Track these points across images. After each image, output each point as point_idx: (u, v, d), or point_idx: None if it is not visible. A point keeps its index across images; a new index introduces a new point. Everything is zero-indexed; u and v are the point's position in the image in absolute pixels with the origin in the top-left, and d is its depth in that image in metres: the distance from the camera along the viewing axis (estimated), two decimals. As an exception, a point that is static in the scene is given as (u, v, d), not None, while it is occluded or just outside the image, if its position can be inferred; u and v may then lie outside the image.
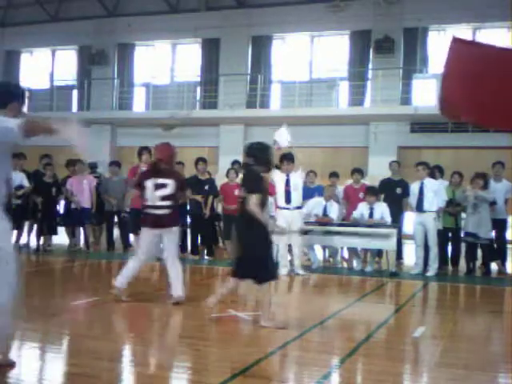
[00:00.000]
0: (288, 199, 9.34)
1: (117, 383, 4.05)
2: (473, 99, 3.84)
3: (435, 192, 9.56)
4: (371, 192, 9.77)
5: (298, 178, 9.44)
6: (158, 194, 6.52)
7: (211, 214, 10.84)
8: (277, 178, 9.42)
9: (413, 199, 9.77)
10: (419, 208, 9.61)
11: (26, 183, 10.85)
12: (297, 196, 9.40)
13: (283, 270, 9.19)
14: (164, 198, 6.53)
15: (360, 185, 10.54)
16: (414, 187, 9.80)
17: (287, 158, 9.39)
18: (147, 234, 6.64)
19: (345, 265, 10.62)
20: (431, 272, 9.49)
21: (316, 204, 10.26)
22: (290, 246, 10.88)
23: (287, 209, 9.34)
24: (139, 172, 10.21)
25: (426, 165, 9.86)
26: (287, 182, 9.34)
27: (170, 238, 6.61)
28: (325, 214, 10.05)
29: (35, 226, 11.52)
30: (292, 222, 9.26)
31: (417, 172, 9.83)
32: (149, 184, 6.57)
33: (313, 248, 10.35)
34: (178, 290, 6.51)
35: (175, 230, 6.66)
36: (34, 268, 9.95)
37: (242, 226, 5.65)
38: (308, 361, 4.56)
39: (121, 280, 6.58)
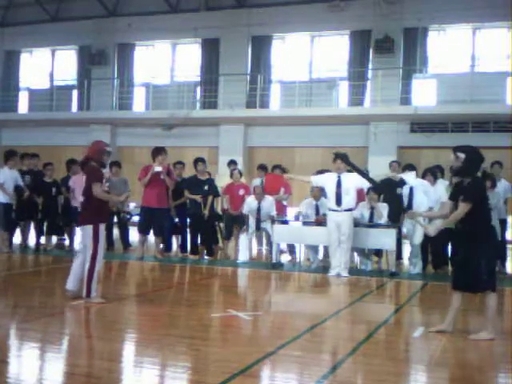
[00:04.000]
0: (338, 201, 9.03)
1: (117, 383, 4.05)
2: None
3: (425, 193, 9.61)
4: (374, 190, 9.73)
5: (350, 181, 9.05)
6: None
7: (211, 214, 10.82)
8: (327, 178, 9.28)
9: (404, 201, 9.84)
10: (409, 209, 9.68)
11: (20, 182, 10.83)
12: (348, 198, 9.05)
13: (333, 272, 9.08)
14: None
15: None
16: (405, 189, 9.86)
17: (340, 156, 9.07)
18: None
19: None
20: (416, 269, 9.55)
21: (307, 205, 10.27)
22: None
23: (336, 211, 9.06)
24: (152, 172, 10.26)
25: (413, 168, 9.95)
26: (338, 184, 9.05)
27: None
28: (318, 213, 10.06)
29: (34, 226, 11.50)
30: (341, 224, 9.03)
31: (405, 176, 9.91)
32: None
33: (312, 248, 10.33)
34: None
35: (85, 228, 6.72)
36: (33, 268, 9.96)
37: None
38: (308, 361, 4.56)
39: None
